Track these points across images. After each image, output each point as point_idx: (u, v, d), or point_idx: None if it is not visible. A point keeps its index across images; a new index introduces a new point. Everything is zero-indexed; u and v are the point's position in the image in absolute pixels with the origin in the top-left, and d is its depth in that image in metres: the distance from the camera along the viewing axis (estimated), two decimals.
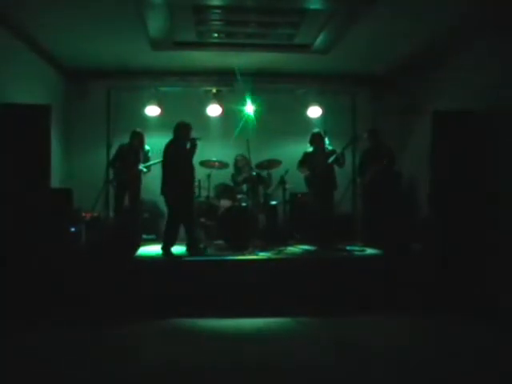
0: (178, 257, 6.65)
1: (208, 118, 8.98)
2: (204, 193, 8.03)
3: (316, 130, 7.71)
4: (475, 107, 6.42)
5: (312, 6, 6.06)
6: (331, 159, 7.32)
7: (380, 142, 7.75)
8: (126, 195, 7.64)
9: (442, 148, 6.38)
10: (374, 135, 7.79)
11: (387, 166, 7.46)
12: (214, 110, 8.93)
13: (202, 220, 7.80)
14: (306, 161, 7.57)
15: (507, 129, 5.94)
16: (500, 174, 6.04)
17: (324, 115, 9.04)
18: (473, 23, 6.34)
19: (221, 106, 8.88)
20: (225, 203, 7.82)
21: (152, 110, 8.81)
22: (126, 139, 7.78)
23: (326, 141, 7.53)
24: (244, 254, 6.72)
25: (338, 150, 7.38)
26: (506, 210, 5.90)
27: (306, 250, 7.20)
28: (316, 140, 7.54)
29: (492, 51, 6.31)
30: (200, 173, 8.00)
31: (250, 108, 8.76)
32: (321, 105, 9.05)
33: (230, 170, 8.32)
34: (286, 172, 7.91)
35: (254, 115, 8.79)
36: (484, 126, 6.27)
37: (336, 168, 7.51)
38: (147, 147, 7.80)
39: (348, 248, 7.15)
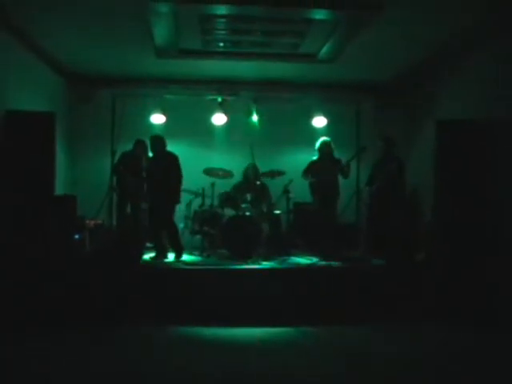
0: (181, 264, 6.71)
1: (213, 126, 8.98)
2: (208, 201, 8.03)
3: (325, 138, 7.71)
4: (477, 116, 6.44)
5: (317, 16, 6.07)
6: (339, 167, 7.31)
7: (391, 152, 7.67)
8: (129, 203, 7.66)
9: (445, 156, 6.37)
10: (389, 143, 7.63)
11: (397, 173, 7.39)
12: (219, 119, 8.93)
13: (206, 228, 7.78)
14: (310, 169, 7.57)
15: (507, 136, 5.95)
16: (498, 180, 6.05)
17: (328, 124, 9.02)
18: (473, 34, 6.39)
19: (226, 114, 8.87)
20: (230, 213, 7.81)
21: (157, 118, 8.81)
22: (130, 147, 7.80)
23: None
24: (247, 263, 6.70)
25: (343, 159, 7.36)
26: (506, 217, 5.89)
27: (309, 260, 7.16)
28: (324, 148, 7.55)
29: (492, 60, 6.35)
30: (204, 181, 8.02)
31: (254, 117, 8.78)
32: (325, 114, 9.00)
33: (235, 178, 8.29)
34: (290, 182, 7.90)
35: (259, 124, 8.80)
36: (485, 134, 6.28)
37: (339, 178, 7.51)
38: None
39: (351, 257, 7.11)
